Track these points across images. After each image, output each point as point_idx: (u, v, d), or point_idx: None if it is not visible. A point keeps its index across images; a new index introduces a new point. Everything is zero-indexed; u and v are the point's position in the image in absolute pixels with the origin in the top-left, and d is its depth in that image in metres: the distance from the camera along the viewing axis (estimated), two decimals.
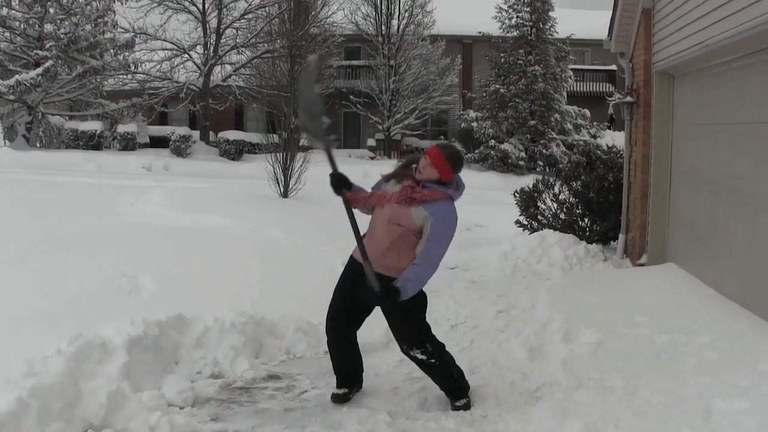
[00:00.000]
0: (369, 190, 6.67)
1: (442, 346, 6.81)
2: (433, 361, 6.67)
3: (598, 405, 6.53)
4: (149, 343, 7.16)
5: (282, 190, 20.66)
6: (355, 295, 6.49)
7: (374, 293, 6.14)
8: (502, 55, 40.15)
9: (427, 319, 6.75)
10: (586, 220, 13.94)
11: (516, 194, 15.03)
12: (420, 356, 6.62)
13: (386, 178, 6.57)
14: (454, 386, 6.81)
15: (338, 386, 6.88)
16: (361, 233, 6.40)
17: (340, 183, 6.40)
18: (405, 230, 6.28)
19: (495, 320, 9.31)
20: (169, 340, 7.53)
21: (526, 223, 14.72)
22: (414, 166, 6.37)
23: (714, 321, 8.16)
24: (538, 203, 14.58)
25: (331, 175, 6.40)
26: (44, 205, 16.15)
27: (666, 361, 7.36)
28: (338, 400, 6.76)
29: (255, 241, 13.01)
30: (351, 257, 6.77)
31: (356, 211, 6.42)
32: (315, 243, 12.89)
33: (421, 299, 6.57)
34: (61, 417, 5.67)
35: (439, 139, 48.25)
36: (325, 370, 7.49)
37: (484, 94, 41.05)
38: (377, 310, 6.68)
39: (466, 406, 6.74)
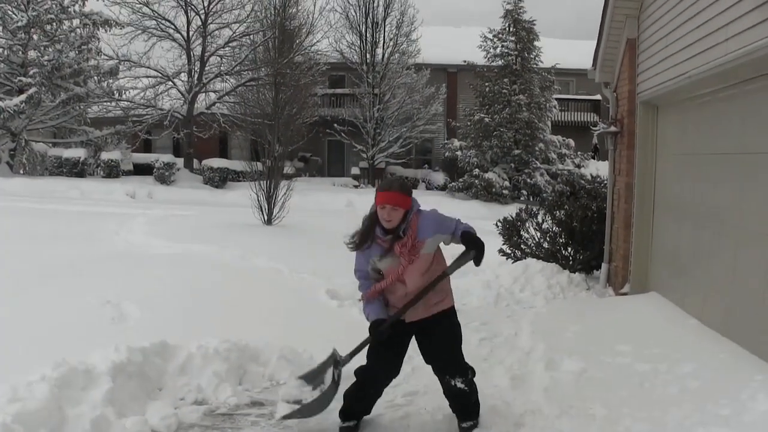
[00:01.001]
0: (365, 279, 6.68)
1: (474, 372, 6.92)
2: (467, 388, 6.74)
3: None
4: (133, 369, 7.16)
5: (266, 217, 20.70)
6: (395, 339, 6.62)
7: (474, 257, 6.37)
8: (486, 84, 40.29)
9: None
10: (570, 249, 13.98)
11: (499, 223, 15.08)
12: (460, 385, 6.69)
13: (362, 249, 6.53)
14: (471, 408, 6.87)
15: (347, 419, 6.82)
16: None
17: (380, 330, 6.46)
18: (432, 264, 6.51)
19: (478, 348, 9.34)
20: (153, 367, 7.52)
21: (509, 251, 14.76)
22: (374, 227, 6.41)
23: (696, 350, 8.19)
24: (522, 232, 14.63)
25: (373, 335, 6.51)
26: (28, 232, 16.14)
27: (648, 390, 7.39)
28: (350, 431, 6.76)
29: (239, 268, 13.03)
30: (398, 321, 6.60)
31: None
32: (299, 271, 12.93)
33: (459, 327, 6.83)
34: None
35: (423, 168, 48.32)
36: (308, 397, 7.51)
37: (469, 123, 41.16)
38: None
39: (474, 426, 6.79)
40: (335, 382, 6.48)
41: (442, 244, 6.61)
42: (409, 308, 6.42)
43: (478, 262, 6.39)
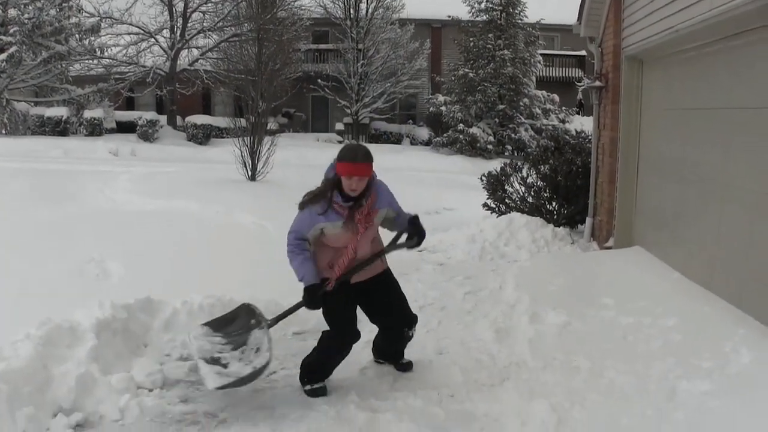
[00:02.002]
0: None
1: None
2: (412, 333, 7.03)
3: (564, 385, 6.59)
4: (118, 326, 7.16)
5: (250, 173, 20.69)
6: (354, 301, 6.77)
7: (416, 240, 6.68)
8: (471, 39, 40.08)
9: None
10: (554, 203, 13.98)
11: (484, 178, 15.06)
12: (412, 332, 7.02)
13: (319, 211, 6.45)
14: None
15: (311, 382, 6.74)
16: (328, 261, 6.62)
17: (316, 297, 6.47)
18: (377, 233, 6.73)
19: (463, 302, 9.36)
20: (138, 324, 7.53)
21: (494, 206, 14.75)
22: (333, 191, 6.39)
23: (679, 304, 8.21)
24: (506, 187, 14.61)
25: (307, 301, 6.52)
26: (10, 192, 16.08)
27: (631, 343, 7.42)
28: (324, 393, 6.66)
29: (223, 224, 13.03)
30: (342, 282, 6.60)
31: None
32: (282, 226, 12.86)
33: None
34: (31, 401, 5.65)
35: (408, 123, 48.19)
36: (294, 352, 7.57)
37: (453, 78, 41.00)
38: None
39: (410, 364, 7.16)
40: (269, 349, 6.43)
41: None
42: (354, 273, 6.55)
43: (417, 245, 6.76)
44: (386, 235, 6.80)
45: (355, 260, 6.52)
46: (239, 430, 5.79)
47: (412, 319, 6.94)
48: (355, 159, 6.26)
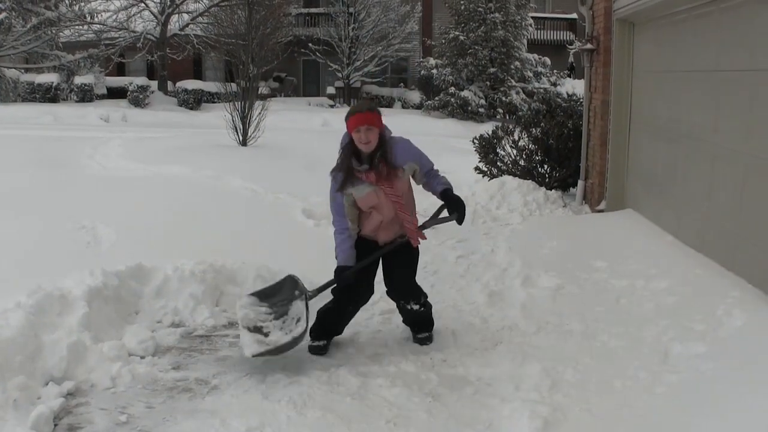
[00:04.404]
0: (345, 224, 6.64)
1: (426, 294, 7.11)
2: (421, 309, 6.91)
3: (557, 348, 6.61)
4: (109, 293, 7.13)
5: (241, 138, 20.64)
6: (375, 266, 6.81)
7: (456, 217, 6.62)
8: (461, 2, 39.96)
9: None
10: (546, 166, 13.95)
11: (475, 141, 15.01)
12: (415, 307, 6.87)
13: (341, 188, 6.48)
14: (425, 321, 7.05)
15: (318, 338, 6.83)
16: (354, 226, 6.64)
17: (344, 276, 6.55)
18: (404, 195, 6.58)
19: (455, 266, 9.35)
20: (129, 291, 7.50)
21: (485, 169, 14.71)
22: (350, 159, 6.40)
23: (672, 266, 8.22)
24: (498, 150, 14.56)
25: (337, 281, 6.62)
26: (2, 159, 16.03)
27: (624, 306, 7.43)
28: (319, 351, 6.75)
29: (214, 189, 12.99)
30: (364, 240, 6.72)
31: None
32: (274, 191, 12.89)
33: (418, 253, 6.92)
34: (23, 370, 5.64)
35: (399, 86, 48.10)
36: None
37: (444, 42, 40.97)
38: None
39: (430, 338, 6.99)
40: (306, 319, 6.47)
41: (412, 181, 6.69)
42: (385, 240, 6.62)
43: (461, 222, 6.64)
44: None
45: (381, 224, 6.60)
46: (231, 396, 5.79)
47: (410, 294, 6.87)
48: (360, 110, 6.32)
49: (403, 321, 7.12)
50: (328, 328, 6.86)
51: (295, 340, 6.34)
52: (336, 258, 6.61)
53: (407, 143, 6.54)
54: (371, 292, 6.90)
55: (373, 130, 6.23)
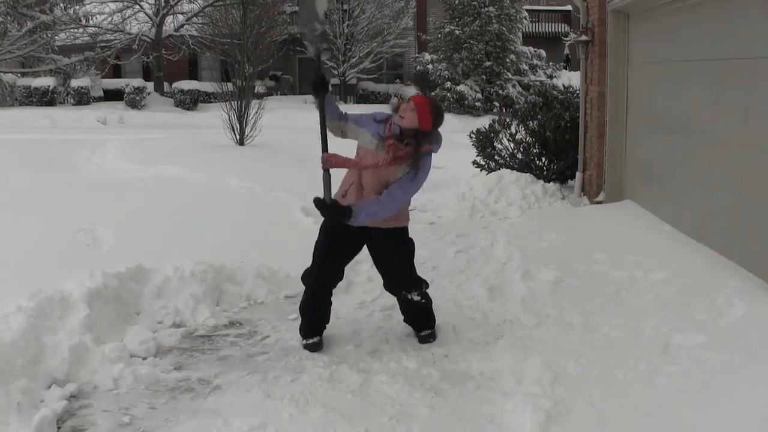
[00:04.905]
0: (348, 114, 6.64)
1: (427, 282, 7.02)
2: (423, 301, 6.87)
3: (557, 341, 6.61)
4: (109, 295, 7.13)
5: (238, 137, 20.66)
6: (341, 242, 6.66)
7: (323, 205, 6.28)
8: None
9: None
10: (544, 159, 13.96)
11: (472, 135, 15.01)
12: (415, 298, 6.81)
13: (376, 119, 6.51)
14: (426, 317, 6.99)
15: (309, 336, 6.82)
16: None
17: (321, 85, 6.42)
18: (384, 185, 6.39)
19: (454, 261, 9.35)
20: (130, 292, 7.50)
21: (483, 163, 14.71)
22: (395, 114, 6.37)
23: (671, 257, 8.24)
24: (495, 143, 14.57)
25: (314, 79, 6.46)
26: (0, 162, 16.03)
27: (624, 297, 7.45)
28: (315, 348, 6.73)
29: (212, 189, 13.00)
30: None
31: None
32: (272, 189, 12.90)
33: (413, 245, 6.85)
34: (25, 373, 5.64)
35: (394, 82, 48.12)
36: (287, 315, 7.57)
37: (439, 36, 40.89)
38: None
39: (433, 335, 6.92)
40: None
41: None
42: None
43: (322, 209, 6.36)
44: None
45: (353, 189, 6.50)
46: (233, 395, 5.79)
47: (407, 284, 6.82)
48: (426, 100, 6.40)
49: (405, 320, 7.06)
50: (312, 322, 6.85)
51: None
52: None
53: (427, 164, 6.42)
54: (340, 275, 6.86)
55: (414, 112, 6.21)
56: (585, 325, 6.88)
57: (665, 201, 9.82)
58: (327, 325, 6.99)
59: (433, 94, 39.23)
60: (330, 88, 6.53)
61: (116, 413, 5.53)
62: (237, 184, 13.54)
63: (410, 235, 6.82)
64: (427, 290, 6.96)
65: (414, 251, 6.89)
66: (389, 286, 6.90)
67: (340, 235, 6.61)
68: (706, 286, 7.07)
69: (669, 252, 8.44)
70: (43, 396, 5.63)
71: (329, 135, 6.55)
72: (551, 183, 13.09)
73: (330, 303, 6.96)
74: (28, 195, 11.82)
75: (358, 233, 6.57)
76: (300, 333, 6.85)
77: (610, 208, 11.25)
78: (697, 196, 8.74)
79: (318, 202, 6.31)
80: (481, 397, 5.73)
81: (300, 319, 6.91)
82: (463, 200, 12.51)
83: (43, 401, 5.56)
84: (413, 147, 6.25)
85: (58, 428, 5.31)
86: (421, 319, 6.97)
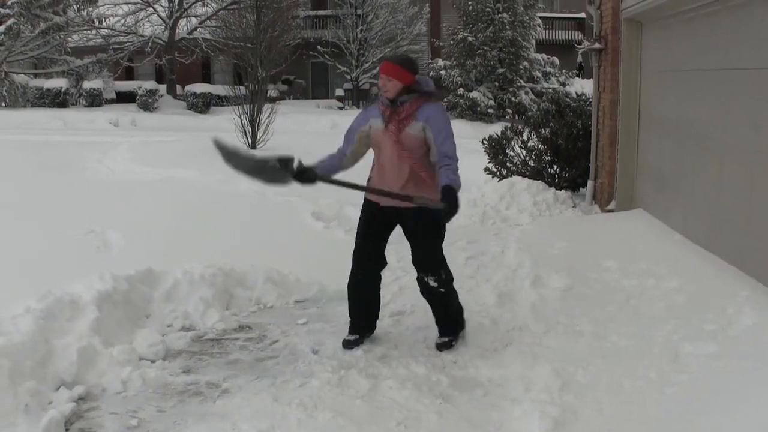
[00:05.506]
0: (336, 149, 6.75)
1: (452, 277, 6.95)
2: (442, 289, 6.79)
3: (567, 349, 6.59)
4: (119, 298, 7.14)
5: (250, 141, 20.73)
6: (374, 220, 6.76)
7: (442, 211, 6.13)
8: (469, 2, 39.86)
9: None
10: (555, 166, 13.94)
11: (485, 141, 15.00)
12: (431, 283, 6.74)
13: (367, 111, 6.70)
14: (449, 321, 6.96)
15: (351, 332, 6.91)
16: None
17: (306, 179, 6.48)
18: (413, 153, 6.44)
19: (465, 266, 9.33)
20: (139, 295, 7.51)
21: (495, 170, 14.70)
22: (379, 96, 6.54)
23: (682, 265, 8.22)
24: (507, 150, 14.56)
25: (295, 177, 6.49)
26: (10, 163, 16.07)
27: (634, 306, 7.42)
28: (350, 345, 6.80)
29: (223, 193, 13.00)
30: (368, 202, 6.76)
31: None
32: (283, 194, 12.87)
33: (443, 227, 6.76)
34: (33, 375, 5.64)
35: None
36: (296, 319, 7.60)
37: (452, 43, 40.91)
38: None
39: (448, 345, 6.83)
40: (270, 166, 6.56)
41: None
42: (378, 194, 6.50)
43: (445, 219, 6.22)
44: None
45: (379, 167, 6.61)
46: (241, 399, 5.78)
47: (428, 267, 6.76)
48: (390, 60, 6.51)
49: (421, 292, 6.98)
50: (357, 323, 6.93)
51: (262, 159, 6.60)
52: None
53: (438, 109, 6.52)
54: (381, 260, 6.92)
55: (391, 81, 6.35)
56: (594, 332, 6.85)
57: (676, 209, 9.81)
58: (375, 328, 7.09)
59: (445, 100, 39.25)
60: (315, 173, 6.46)
61: (124, 416, 5.53)
62: (247, 188, 13.52)
63: None
64: (451, 283, 6.89)
65: (444, 236, 6.84)
66: (415, 262, 6.87)
67: (371, 215, 6.74)
68: (716, 295, 7.05)
69: (679, 260, 8.42)
70: (51, 398, 5.63)
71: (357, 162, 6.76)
72: (563, 191, 13.07)
73: (373, 294, 7.01)
74: (38, 196, 11.84)
75: (390, 212, 6.62)
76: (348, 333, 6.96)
77: (621, 217, 11.23)
78: (708, 205, 8.72)
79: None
80: (489, 403, 5.72)
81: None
82: (474, 206, 12.50)
83: (51, 403, 5.56)
84: (409, 101, 6.40)
85: (66, 430, 5.31)
86: (441, 318, 6.95)
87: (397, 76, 6.35)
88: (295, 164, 6.45)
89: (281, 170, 6.44)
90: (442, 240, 6.84)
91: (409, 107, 6.37)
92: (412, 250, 6.84)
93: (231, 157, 6.85)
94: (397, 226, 6.81)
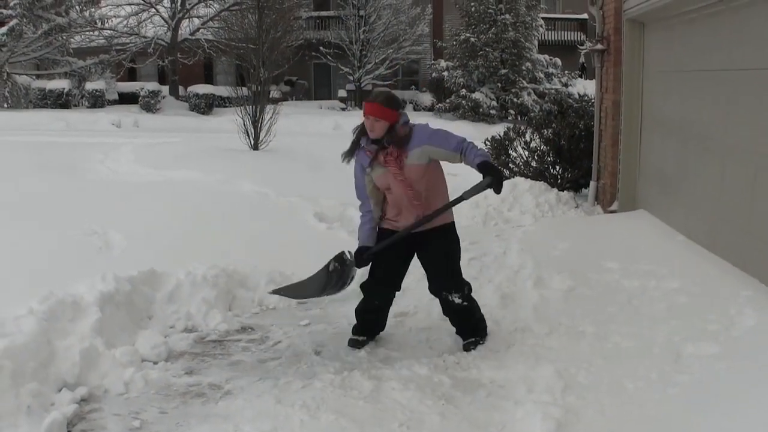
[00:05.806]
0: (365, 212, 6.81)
1: (471, 286, 6.99)
2: (465, 303, 6.82)
3: (569, 350, 6.59)
4: (121, 299, 7.14)
5: (252, 142, 20.69)
6: (397, 258, 6.82)
7: (493, 184, 6.26)
8: (472, 3, 39.91)
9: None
10: (558, 167, 13.95)
11: (487, 142, 15.00)
12: (456, 300, 6.76)
13: (347, 155, 6.72)
14: (473, 325, 6.98)
15: (356, 333, 6.99)
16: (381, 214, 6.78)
17: (368, 259, 6.70)
18: (423, 178, 6.50)
19: (467, 268, 9.29)
20: (142, 296, 7.51)
21: None
22: (360, 136, 6.60)
23: (684, 266, 8.22)
24: (510, 151, 14.57)
25: (358, 260, 6.70)
26: (12, 164, 16.06)
27: (636, 306, 7.43)
28: (356, 345, 6.87)
29: (226, 194, 12.99)
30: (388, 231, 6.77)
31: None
32: (285, 195, 12.88)
33: (459, 243, 6.94)
34: (35, 377, 5.64)
35: (410, 89, 48.16)
36: (299, 320, 7.63)
37: (455, 44, 40.93)
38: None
39: (476, 343, 6.86)
40: (331, 271, 6.73)
41: (447, 163, 6.63)
42: (407, 230, 6.54)
43: (497, 190, 6.32)
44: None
45: (396, 205, 6.61)
46: (244, 400, 5.79)
47: (449, 285, 6.77)
48: (374, 100, 6.45)
49: (450, 322, 7.03)
50: (365, 325, 7.00)
51: (310, 283, 6.83)
52: (358, 239, 6.76)
53: (422, 128, 6.54)
54: (396, 288, 6.96)
55: (379, 122, 6.35)
56: (596, 333, 6.86)
57: (678, 210, 9.81)
58: (381, 332, 7.17)
59: (448, 101, 39.27)
60: (369, 250, 6.68)
61: (126, 417, 5.54)
62: (250, 189, 13.54)
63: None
64: (471, 293, 6.92)
65: (460, 250, 6.93)
66: (433, 285, 6.86)
67: (402, 247, 6.74)
68: (718, 296, 7.06)
69: (681, 261, 8.42)
70: (54, 399, 5.63)
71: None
72: (565, 192, 13.07)
73: (383, 311, 7.06)
74: (40, 197, 11.82)
75: (408, 239, 6.63)
76: (352, 331, 7.04)
77: (624, 217, 11.24)
78: (709, 205, 8.72)
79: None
80: (491, 404, 5.72)
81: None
82: (476, 208, 12.50)
83: (54, 404, 5.56)
84: (396, 138, 6.40)
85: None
86: (465, 325, 6.95)
87: (383, 116, 6.35)
88: (347, 255, 6.76)
89: (345, 267, 6.75)
90: (458, 257, 6.93)
91: (399, 140, 6.39)
92: (431, 275, 6.86)
93: (298, 291, 7.05)
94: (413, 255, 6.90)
